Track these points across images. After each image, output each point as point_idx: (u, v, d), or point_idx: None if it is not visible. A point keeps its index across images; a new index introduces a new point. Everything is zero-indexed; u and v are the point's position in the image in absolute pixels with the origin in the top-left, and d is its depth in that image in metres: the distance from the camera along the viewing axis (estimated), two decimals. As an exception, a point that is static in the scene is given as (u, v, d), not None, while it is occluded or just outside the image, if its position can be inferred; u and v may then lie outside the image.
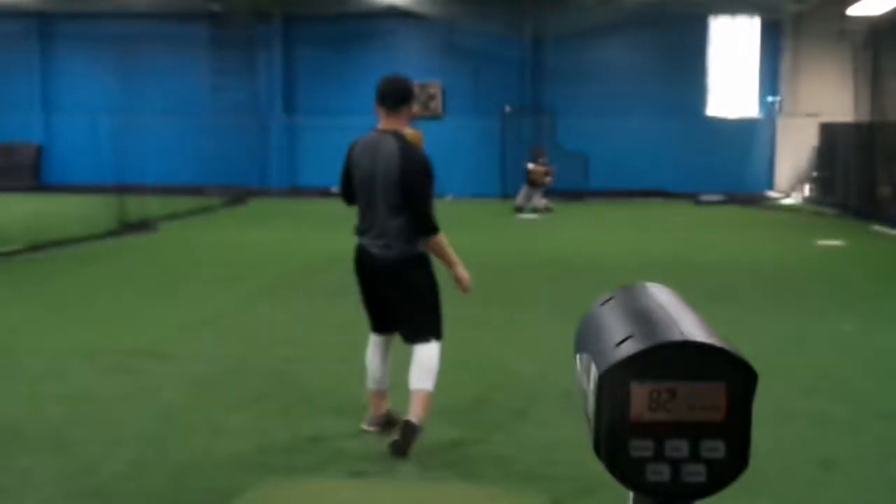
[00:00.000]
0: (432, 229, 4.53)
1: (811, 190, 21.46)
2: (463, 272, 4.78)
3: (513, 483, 4.05)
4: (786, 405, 5.00)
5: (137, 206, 15.51)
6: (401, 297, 4.58)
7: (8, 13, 23.52)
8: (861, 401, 5.29)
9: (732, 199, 21.48)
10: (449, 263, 4.71)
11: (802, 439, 4.56)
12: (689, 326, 0.81)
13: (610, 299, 0.95)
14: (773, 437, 4.35)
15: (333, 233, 14.59)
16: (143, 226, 14.84)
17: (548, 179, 19.37)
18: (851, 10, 19.48)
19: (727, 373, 0.78)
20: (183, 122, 22.19)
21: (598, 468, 3.16)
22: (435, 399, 5.24)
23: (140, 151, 21.55)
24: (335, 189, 21.10)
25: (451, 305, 8.28)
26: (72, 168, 23.36)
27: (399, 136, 4.53)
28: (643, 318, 0.84)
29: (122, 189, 16.30)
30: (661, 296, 0.90)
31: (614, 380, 0.77)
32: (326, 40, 23.93)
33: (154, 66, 22.43)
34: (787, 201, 21.73)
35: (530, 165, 19.36)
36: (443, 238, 4.62)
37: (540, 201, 19.05)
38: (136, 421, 4.87)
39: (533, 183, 19.20)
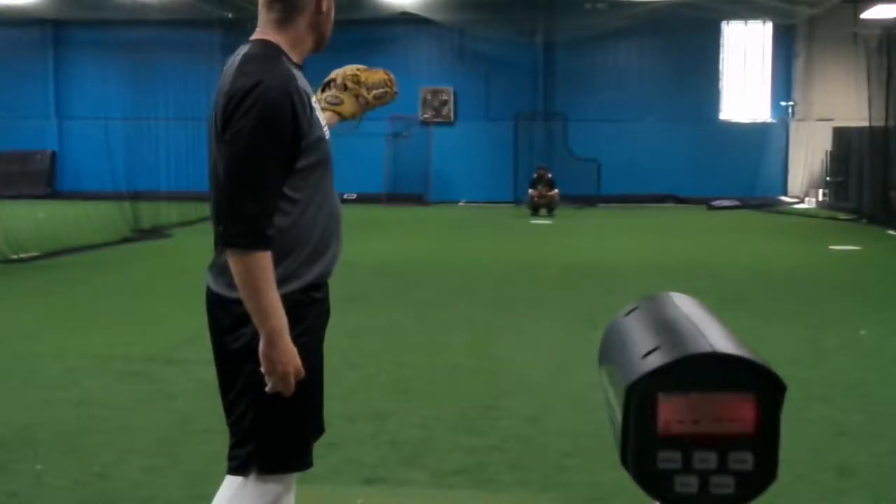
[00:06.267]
0: (236, 236, 2.26)
1: (825, 194, 21.37)
2: (278, 353, 2.27)
3: (526, 490, 4.03)
4: (801, 412, 4.95)
5: (150, 213, 15.56)
6: (218, 372, 2.53)
7: (22, 21, 23.66)
8: (877, 407, 5.25)
9: (745, 204, 21.41)
10: (259, 321, 2.28)
11: (818, 447, 4.53)
12: (717, 337, 0.79)
13: (634, 309, 0.94)
14: (788, 445, 4.28)
15: (345, 239, 14.62)
16: (156, 232, 14.89)
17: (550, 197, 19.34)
18: (865, 14, 19.40)
19: (756, 384, 0.76)
20: (196, 129, 22.25)
21: (612, 476, 3.15)
22: (448, 406, 5.23)
23: (153, 158, 21.62)
24: (347, 195, 20.98)
25: (461, 310, 8.35)
26: (85, 175, 23.47)
27: (258, 44, 2.39)
28: (669, 328, 0.82)
29: (135, 196, 16.36)
30: (686, 306, 0.89)
31: (642, 392, 0.76)
32: (338, 46, 23.82)
33: (167, 73, 22.53)
34: (801, 206, 21.64)
35: (531, 191, 19.48)
36: (259, 263, 2.25)
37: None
38: (150, 427, 4.87)
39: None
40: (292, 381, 2.29)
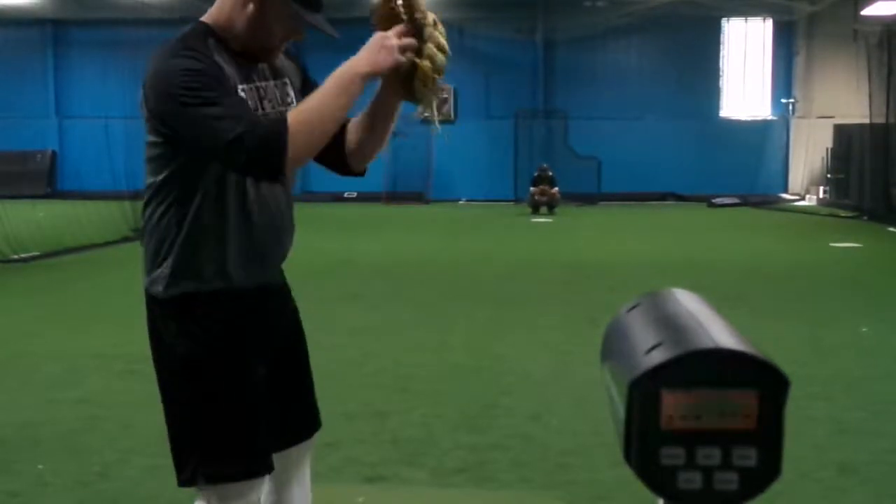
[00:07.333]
0: (256, 162, 2.05)
1: (826, 192, 21.37)
2: (384, 42, 2.11)
3: (528, 488, 4.03)
4: (802, 410, 4.95)
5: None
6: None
7: (22, 20, 23.66)
8: (879, 405, 5.24)
9: (746, 201, 21.42)
10: (356, 76, 2.11)
11: (820, 444, 4.52)
12: (720, 333, 0.79)
13: (637, 305, 0.93)
14: (790, 443, 4.28)
15: (345, 237, 14.62)
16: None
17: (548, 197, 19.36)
18: (865, 11, 19.40)
19: (759, 380, 0.76)
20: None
21: (613, 473, 3.15)
22: (449, 404, 5.23)
23: (153, 157, 21.63)
24: (348, 194, 20.87)
25: (461, 308, 8.35)
26: (86, 174, 23.48)
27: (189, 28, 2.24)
28: (672, 324, 0.82)
29: (135, 195, 16.35)
30: (688, 302, 0.89)
31: (644, 388, 0.76)
32: (337, 45, 23.91)
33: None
34: (802, 203, 21.64)
35: (532, 189, 19.52)
36: (303, 109, 2.11)
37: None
38: (151, 426, 4.86)
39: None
40: (395, 42, 2.10)
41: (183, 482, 2.31)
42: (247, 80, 2.21)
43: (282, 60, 2.34)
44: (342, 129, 2.32)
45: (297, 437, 2.46)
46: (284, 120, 2.05)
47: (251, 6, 2.17)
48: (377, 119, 2.32)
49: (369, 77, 2.12)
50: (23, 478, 4.10)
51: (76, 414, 5.05)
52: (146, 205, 2.28)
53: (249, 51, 2.23)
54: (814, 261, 11.82)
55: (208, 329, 2.25)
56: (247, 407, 2.29)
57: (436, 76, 2.15)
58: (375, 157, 2.42)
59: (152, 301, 2.29)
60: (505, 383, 5.71)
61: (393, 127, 2.37)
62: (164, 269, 2.23)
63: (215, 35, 2.20)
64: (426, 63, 2.11)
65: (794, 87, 23.29)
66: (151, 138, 2.22)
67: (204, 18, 2.25)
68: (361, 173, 2.44)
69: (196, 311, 2.25)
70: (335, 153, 2.34)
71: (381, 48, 2.11)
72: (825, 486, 4.01)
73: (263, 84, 2.25)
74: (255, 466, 2.27)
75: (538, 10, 22.88)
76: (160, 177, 2.22)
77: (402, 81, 2.20)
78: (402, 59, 2.12)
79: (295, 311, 2.56)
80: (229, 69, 2.16)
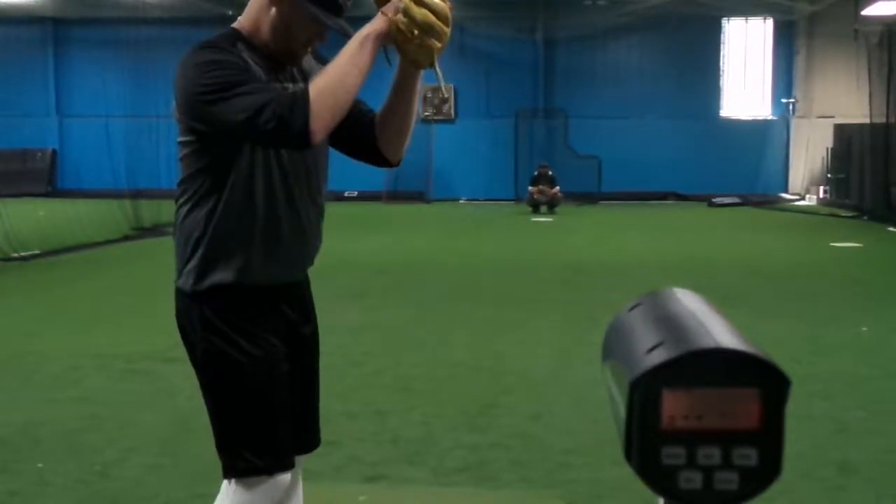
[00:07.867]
0: (281, 115, 2.08)
1: (826, 191, 21.36)
2: (381, 25, 2.20)
3: (528, 488, 4.03)
4: (802, 409, 4.95)
5: (151, 211, 15.57)
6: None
7: (23, 19, 23.65)
8: (879, 404, 5.25)
9: (746, 201, 21.40)
10: (360, 39, 2.19)
11: (820, 443, 4.53)
12: (721, 333, 0.79)
13: (638, 305, 0.94)
14: (790, 442, 4.28)
15: (345, 237, 14.62)
16: (157, 230, 14.89)
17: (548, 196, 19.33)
18: (865, 11, 19.40)
19: (760, 379, 0.77)
20: (196, 126, 22.18)
21: (614, 472, 3.16)
22: (449, 403, 5.24)
23: (154, 156, 21.63)
24: (348, 193, 20.84)
25: (462, 307, 8.35)
26: (86, 173, 23.47)
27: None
28: (673, 324, 0.83)
29: (135, 194, 16.36)
30: (689, 301, 0.89)
31: (646, 387, 0.76)
32: (339, 43, 23.92)
33: (167, 71, 22.42)
34: (802, 203, 21.63)
35: (530, 188, 19.49)
36: (321, 77, 2.18)
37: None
38: (152, 425, 4.87)
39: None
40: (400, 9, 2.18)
41: (224, 474, 2.37)
42: (275, 80, 2.29)
43: (310, 62, 2.42)
44: (371, 121, 2.41)
45: (299, 447, 2.46)
46: (305, 88, 2.15)
47: (274, 10, 2.27)
48: (395, 95, 2.38)
49: (375, 39, 2.19)
50: (23, 477, 4.10)
51: (76, 413, 5.05)
52: (177, 202, 2.38)
53: (275, 54, 2.31)
54: (814, 261, 11.81)
55: (230, 323, 2.31)
56: (267, 402, 2.33)
57: (415, 31, 2.18)
58: (406, 143, 2.47)
59: (181, 295, 2.37)
60: (505, 383, 5.72)
61: (415, 110, 2.42)
62: (192, 264, 2.32)
63: (244, 40, 2.29)
64: (399, 17, 2.19)
65: (794, 86, 23.28)
66: (183, 138, 2.31)
67: (234, 25, 2.35)
68: (396, 163, 2.49)
69: (219, 305, 2.32)
70: (368, 144, 2.43)
71: (380, 14, 2.23)
72: (825, 486, 4.01)
73: (291, 86, 2.31)
74: (274, 461, 2.32)
75: (538, 9, 22.87)
76: (190, 174, 2.32)
77: (403, 48, 2.26)
78: (395, 19, 2.20)
79: (315, 327, 2.57)
80: (256, 68, 2.24)
